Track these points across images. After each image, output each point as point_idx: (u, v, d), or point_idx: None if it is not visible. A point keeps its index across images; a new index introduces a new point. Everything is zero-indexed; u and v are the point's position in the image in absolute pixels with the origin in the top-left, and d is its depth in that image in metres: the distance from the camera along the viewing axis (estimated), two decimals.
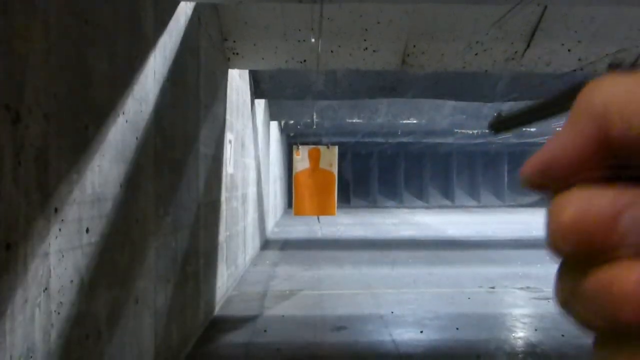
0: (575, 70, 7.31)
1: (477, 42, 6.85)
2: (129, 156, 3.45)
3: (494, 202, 29.08)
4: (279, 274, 8.72)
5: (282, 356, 4.94)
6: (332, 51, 6.99)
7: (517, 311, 6.45)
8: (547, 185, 0.25)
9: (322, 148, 9.42)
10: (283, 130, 18.91)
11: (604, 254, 0.22)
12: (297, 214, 9.53)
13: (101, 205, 3.01)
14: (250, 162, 9.68)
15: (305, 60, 7.12)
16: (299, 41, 6.86)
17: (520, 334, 5.54)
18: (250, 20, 6.78)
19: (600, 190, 0.23)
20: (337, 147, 9.48)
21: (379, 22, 6.72)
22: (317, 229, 14.97)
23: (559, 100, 0.29)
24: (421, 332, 5.61)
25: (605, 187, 0.23)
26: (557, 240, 0.23)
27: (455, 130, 18.88)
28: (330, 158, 9.35)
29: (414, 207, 26.94)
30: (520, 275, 8.58)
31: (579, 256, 0.23)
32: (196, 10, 5.30)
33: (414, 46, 6.96)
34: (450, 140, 22.49)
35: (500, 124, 0.36)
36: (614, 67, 0.28)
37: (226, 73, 7.08)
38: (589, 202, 0.23)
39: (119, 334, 3.24)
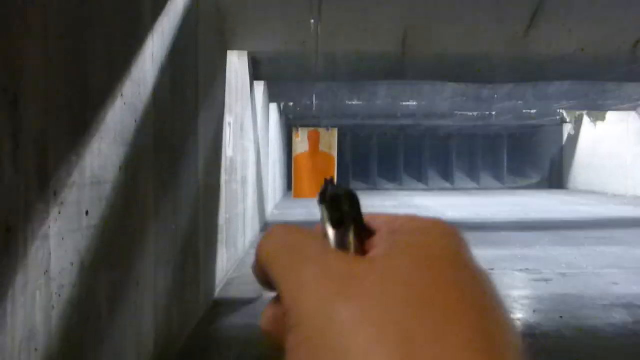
0: (575, 52, 7.27)
1: (477, 24, 6.80)
2: (128, 139, 3.44)
3: (494, 184, 29.10)
4: None
5: None
6: (331, 33, 6.94)
7: (516, 293, 6.47)
8: (264, 283, 0.41)
9: (321, 130, 9.40)
10: (282, 112, 18.84)
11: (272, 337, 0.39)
12: (296, 196, 9.55)
13: (101, 188, 3.00)
14: (250, 145, 9.66)
15: (304, 42, 7.07)
16: (298, 23, 6.81)
17: (519, 316, 5.57)
18: (249, 2, 6.72)
19: (272, 305, 0.40)
20: (336, 130, 9.47)
21: (378, 4, 6.67)
22: (316, 211, 14.96)
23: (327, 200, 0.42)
24: None
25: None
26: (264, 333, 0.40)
27: (455, 112, 18.83)
28: (330, 140, 9.35)
29: (414, 190, 26.96)
30: (519, 257, 8.61)
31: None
32: None
33: (414, 28, 6.91)
34: (450, 122, 22.45)
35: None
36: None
37: (225, 55, 7.04)
38: (264, 316, 0.40)
39: (120, 316, 3.26)
